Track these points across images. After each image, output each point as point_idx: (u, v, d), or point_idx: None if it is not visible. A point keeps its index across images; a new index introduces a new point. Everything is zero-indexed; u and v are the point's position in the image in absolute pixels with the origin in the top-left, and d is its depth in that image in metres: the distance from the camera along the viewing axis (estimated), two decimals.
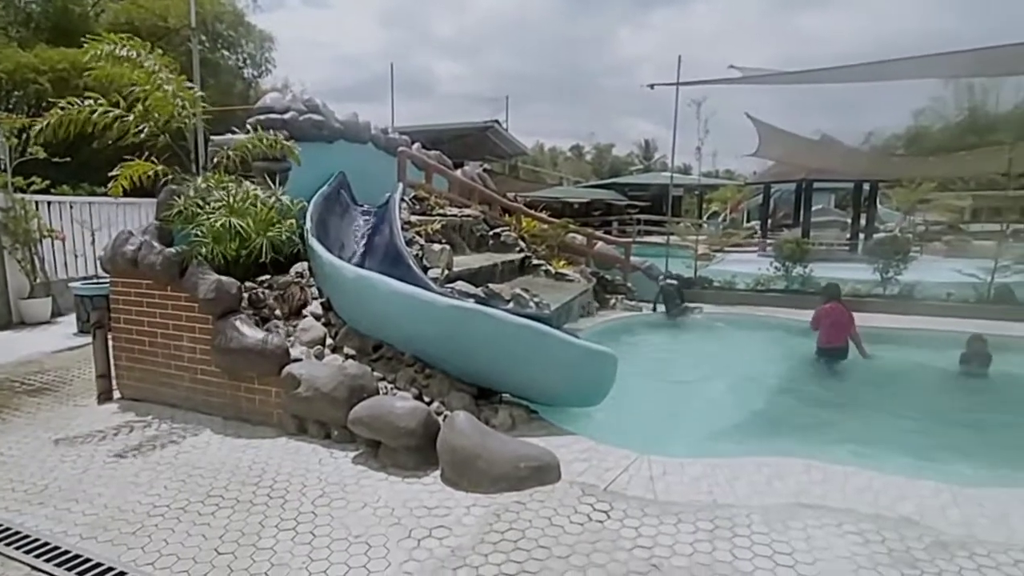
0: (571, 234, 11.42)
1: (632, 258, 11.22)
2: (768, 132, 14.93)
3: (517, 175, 34.35)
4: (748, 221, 30.61)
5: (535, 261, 9.65)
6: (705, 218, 33.81)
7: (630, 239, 12.31)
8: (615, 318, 9.28)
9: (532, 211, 12.05)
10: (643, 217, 29.29)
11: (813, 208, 23.87)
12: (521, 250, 9.68)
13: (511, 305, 5.95)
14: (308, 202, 6.88)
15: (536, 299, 6.51)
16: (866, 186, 22.51)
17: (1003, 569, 2.80)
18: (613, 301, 10.05)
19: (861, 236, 20.96)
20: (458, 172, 11.44)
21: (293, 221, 6.15)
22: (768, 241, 20.20)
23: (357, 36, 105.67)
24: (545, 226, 11.17)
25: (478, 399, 4.85)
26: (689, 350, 8.52)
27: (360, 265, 6.48)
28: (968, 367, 6.92)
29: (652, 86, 10.67)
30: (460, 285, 6.24)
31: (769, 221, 25.45)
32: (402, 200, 8.12)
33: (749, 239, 23.75)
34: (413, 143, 10.33)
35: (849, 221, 23.55)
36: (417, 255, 6.71)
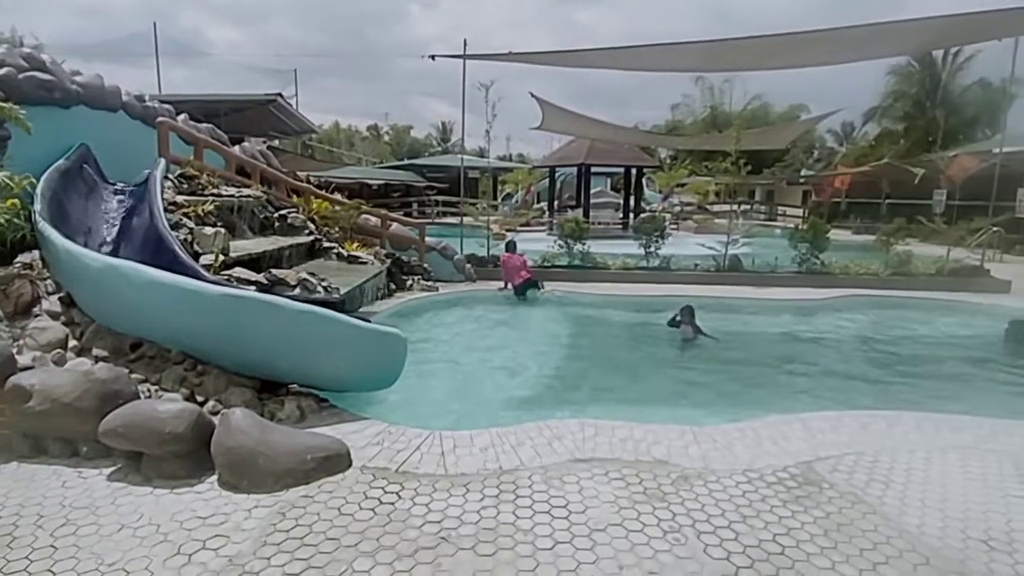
0: (365, 215, 11.13)
1: (428, 239, 11.31)
2: (550, 109, 16.54)
3: (312, 154, 32.42)
4: (538, 202, 32.59)
5: (326, 244, 9.22)
6: (500, 199, 35.29)
7: (426, 220, 12.42)
8: (412, 299, 9.31)
9: (323, 192, 11.48)
10: (441, 198, 29.54)
11: (592, 190, 26.11)
12: (311, 232, 9.17)
13: (297, 291, 5.63)
14: (38, 179, 5.80)
15: (324, 283, 6.24)
16: (634, 171, 25.26)
17: (728, 491, 3.40)
18: (410, 282, 10.06)
19: (631, 215, 23.52)
20: (236, 148, 10.44)
21: (16, 201, 5.15)
22: (555, 221, 21.73)
23: None
24: (337, 207, 10.72)
25: (261, 393, 4.54)
26: (480, 326, 8.87)
27: (114, 252, 5.66)
28: (679, 331, 7.94)
29: (433, 57, 11.28)
30: (238, 271, 5.73)
31: (556, 202, 27.34)
32: (165, 178, 7.19)
33: (539, 219, 25.32)
34: (180, 114, 9.17)
35: (621, 202, 26.25)
36: (185, 240, 6.02)
